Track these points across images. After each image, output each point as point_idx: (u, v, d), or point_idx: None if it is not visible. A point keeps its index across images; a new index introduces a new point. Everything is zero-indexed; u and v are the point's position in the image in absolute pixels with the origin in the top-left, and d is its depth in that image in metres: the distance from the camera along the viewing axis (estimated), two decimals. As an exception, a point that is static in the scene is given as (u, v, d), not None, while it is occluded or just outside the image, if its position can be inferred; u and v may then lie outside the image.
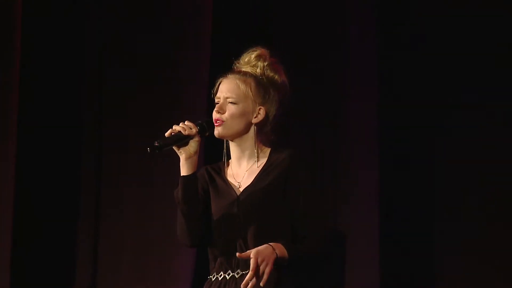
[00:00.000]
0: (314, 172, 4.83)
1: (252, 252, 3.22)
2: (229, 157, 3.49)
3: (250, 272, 3.20)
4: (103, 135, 5.19)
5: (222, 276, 3.36)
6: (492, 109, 4.84)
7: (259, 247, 3.24)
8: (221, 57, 5.02)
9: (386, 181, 4.83)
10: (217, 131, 3.40)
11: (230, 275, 3.34)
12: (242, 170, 3.44)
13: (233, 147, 3.46)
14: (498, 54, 4.83)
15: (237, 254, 3.24)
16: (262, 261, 3.22)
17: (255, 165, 3.42)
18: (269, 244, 3.25)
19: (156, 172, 5.07)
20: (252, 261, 3.20)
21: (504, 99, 4.82)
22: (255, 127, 3.42)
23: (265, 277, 3.21)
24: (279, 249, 3.26)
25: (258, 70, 3.45)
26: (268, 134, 3.46)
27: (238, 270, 3.33)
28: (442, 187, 4.89)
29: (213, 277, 3.39)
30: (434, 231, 4.89)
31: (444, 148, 4.91)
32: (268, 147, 3.46)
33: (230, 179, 3.45)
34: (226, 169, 3.49)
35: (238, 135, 3.42)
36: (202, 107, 4.78)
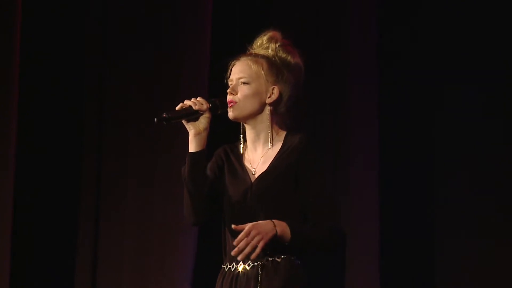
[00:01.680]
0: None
1: (249, 224, 3.19)
2: (245, 141, 3.43)
3: (239, 236, 3.16)
4: (103, 135, 5.19)
5: (234, 267, 3.31)
6: (493, 109, 4.84)
7: (259, 221, 3.22)
8: (221, 58, 5.02)
9: (386, 180, 4.83)
10: (230, 113, 3.35)
11: (242, 266, 3.29)
12: (257, 155, 3.37)
13: (248, 130, 3.38)
14: (498, 52, 4.83)
15: (233, 226, 3.21)
16: (257, 234, 3.17)
17: (271, 151, 3.36)
18: (272, 220, 3.22)
19: (156, 172, 5.07)
20: (245, 229, 3.16)
21: (506, 98, 4.82)
22: (269, 107, 3.38)
23: (257, 250, 3.15)
24: (281, 227, 3.20)
25: (270, 51, 3.39)
26: (283, 117, 3.39)
27: (249, 262, 3.27)
28: (442, 186, 4.89)
29: (226, 268, 3.34)
30: (434, 231, 4.89)
31: (444, 148, 4.91)
32: (284, 131, 3.41)
33: (246, 164, 3.39)
34: (244, 153, 3.43)
35: (252, 116, 3.35)
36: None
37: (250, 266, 3.27)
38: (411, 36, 4.94)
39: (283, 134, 3.38)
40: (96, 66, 5.20)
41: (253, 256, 3.17)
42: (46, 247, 5.08)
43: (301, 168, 3.27)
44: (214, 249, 4.73)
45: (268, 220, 3.20)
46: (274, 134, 3.37)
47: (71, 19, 5.16)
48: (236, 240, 3.18)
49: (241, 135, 3.41)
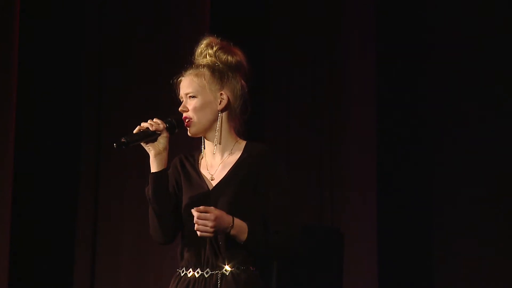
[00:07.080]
0: (311, 173, 4.84)
1: (211, 208, 3.21)
2: (204, 148, 3.47)
3: (200, 208, 3.20)
4: (102, 134, 5.20)
5: (191, 273, 3.33)
6: (493, 110, 4.85)
7: (222, 212, 3.22)
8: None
9: (384, 182, 4.83)
10: (189, 131, 3.40)
11: (199, 273, 3.31)
12: (216, 162, 3.41)
13: (207, 140, 3.43)
14: (497, 58, 4.83)
15: (193, 209, 3.23)
16: (213, 220, 3.19)
17: (230, 157, 3.39)
18: (234, 218, 3.23)
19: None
20: (209, 208, 3.20)
21: (505, 102, 4.82)
22: (222, 114, 3.40)
23: (205, 234, 3.19)
24: (239, 227, 3.23)
25: (209, 58, 3.43)
26: (238, 119, 3.42)
27: (208, 269, 3.29)
28: (441, 188, 4.90)
29: (182, 273, 3.36)
30: (433, 232, 4.90)
31: (443, 149, 4.92)
32: (244, 140, 3.43)
33: (203, 171, 3.41)
34: (200, 160, 3.46)
35: (209, 128, 3.40)
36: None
37: (208, 274, 3.29)
38: (411, 38, 4.94)
39: (243, 143, 3.42)
40: (96, 67, 5.20)
41: (199, 234, 3.19)
42: (44, 245, 5.09)
43: (263, 177, 3.30)
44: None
45: (229, 216, 3.22)
46: (233, 142, 3.40)
47: (70, 20, 5.17)
48: (195, 208, 3.20)
49: (202, 146, 3.44)
